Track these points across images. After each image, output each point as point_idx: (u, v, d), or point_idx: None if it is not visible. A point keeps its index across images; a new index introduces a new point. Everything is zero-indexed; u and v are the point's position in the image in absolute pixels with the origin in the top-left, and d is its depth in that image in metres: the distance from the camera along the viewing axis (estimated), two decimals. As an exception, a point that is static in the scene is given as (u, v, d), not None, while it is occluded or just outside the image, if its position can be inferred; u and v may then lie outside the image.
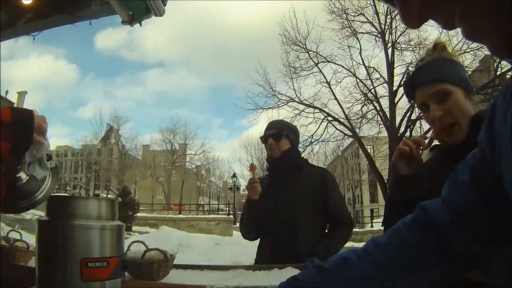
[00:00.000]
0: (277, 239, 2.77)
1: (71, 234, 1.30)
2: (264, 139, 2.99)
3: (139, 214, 34.06)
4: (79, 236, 1.31)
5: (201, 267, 2.07)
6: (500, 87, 0.81)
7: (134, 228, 29.09)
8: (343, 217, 2.91)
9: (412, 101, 1.77)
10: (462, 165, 0.95)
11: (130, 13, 2.60)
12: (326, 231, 2.93)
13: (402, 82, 18.12)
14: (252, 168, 2.93)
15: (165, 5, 2.71)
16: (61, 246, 1.30)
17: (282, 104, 20.28)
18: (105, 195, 51.98)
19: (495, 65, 15.09)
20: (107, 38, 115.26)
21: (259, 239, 2.97)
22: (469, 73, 13.67)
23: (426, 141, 1.79)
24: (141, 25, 2.71)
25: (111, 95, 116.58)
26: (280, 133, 2.93)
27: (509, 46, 0.52)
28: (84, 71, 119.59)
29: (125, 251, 1.74)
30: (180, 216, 33.51)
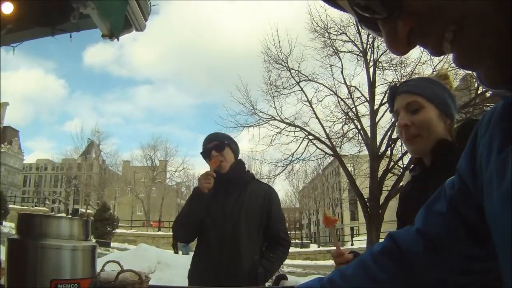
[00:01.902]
0: (220, 251, 2.70)
1: (41, 254, 1.25)
2: (206, 153, 2.88)
3: (118, 230, 33.80)
4: (49, 257, 1.26)
5: (177, 288, 2.02)
6: (482, 116, 0.79)
7: (113, 244, 28.87)
8: (282, 238, 2.90)
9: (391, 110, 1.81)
10: (438, 194, 0.93)
11: (110, 27, 2.57)
12: (264, 249, 2.88)
13: (385, 98, 18.33)
14: (214, 162, 2.77)
15: (146, 20, 2.69)
16: (31, 266, 1.25)
17: (263, 123, 20.21)
18: (84, 210, 51.49)
19: (476, 84, 15.30)
20: (97, 53, 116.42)
21: (195, 249, 2.88)
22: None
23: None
24: (118, 40, 2.68)
25: (99, 111, 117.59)
26: (222, 144, 2.87)
27: (499, 75, 0.52)
28: (73, 86, 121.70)
29: (99, 271, 1.69)
30: (160, 233, 33.27)
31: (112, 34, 2.56)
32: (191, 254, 3.08)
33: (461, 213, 0.84)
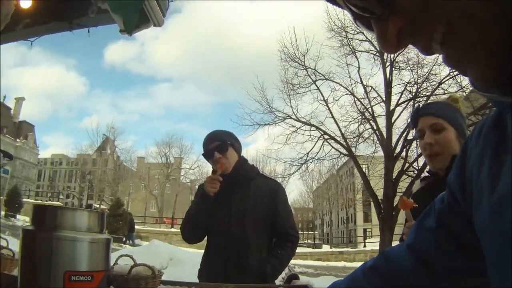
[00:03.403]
0: (227, 250, 2.69)
1: (56, 246, 1.25)
2: (208, 154, 2.83)
3: (131, 226, 33.89)
4: (64, 248, 1.26)
5: (189, 284, 2.02)
6: (472, 128, 0.80)
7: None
8: (291, 234, 2.86)
9: (414, 128, 2.11)
10: (429, 209, 0.93)
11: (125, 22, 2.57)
12: (273, 246, 2.85)
13: (401, 98, 18.19)
14: (221, 166, 2.69)
15: (164, 15, 2.69)
16: (45, 257, 1.25)
17: (279, 121, 20.13)
18: (98, 205, 51.84)
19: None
20: (118, 50, 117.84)
21: (205, 249, 2.87)
22: (466, 93, 13.72)
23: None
24: (130, 35, 2.67)
25: (118, 108, 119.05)
26: (225, 144, 2.81)
27: (490, 76, 0.53)
28: (93, 83, 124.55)
29: (112, 264, 1.69)
30: (172, 230, 33.40)
31: (129, 29, 2.57)
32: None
33: (451, 226, 0.84)
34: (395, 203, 17.40)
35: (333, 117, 19.40)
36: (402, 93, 18.64)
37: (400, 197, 2.06)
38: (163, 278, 1.83)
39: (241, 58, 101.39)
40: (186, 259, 10.49)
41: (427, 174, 2.19)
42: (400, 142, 18.21)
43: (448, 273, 0.85)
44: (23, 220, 27.88)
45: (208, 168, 55.78)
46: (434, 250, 0.86)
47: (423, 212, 0.95)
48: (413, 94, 18.11)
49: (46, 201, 49.03)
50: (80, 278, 1.26)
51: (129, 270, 1.61)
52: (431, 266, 0.87)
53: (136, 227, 35.26)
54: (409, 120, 17.51)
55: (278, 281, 2.82)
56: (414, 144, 17.91)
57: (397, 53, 18.50)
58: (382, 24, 0.57)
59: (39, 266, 1.26)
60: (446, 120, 1.96)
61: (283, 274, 2.86)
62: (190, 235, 2.88)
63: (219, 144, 2.79)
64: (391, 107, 18.61)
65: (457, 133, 1.96)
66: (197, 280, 2.78)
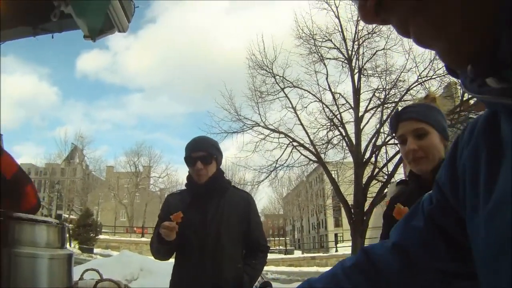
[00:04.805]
0: (202, 260, 2.64)
1: (14, 263, 1.18)
2: (190, 161, 2.76)
3: (101, 236, 33.61)
4: (23, 266, 1.19)
5: (159, 298, 1.95)
6: (464, 126, 0.78)
7: (96, 250, 28.71)
8: (262, 244, 2.88)
9: (393, 133, 2.04)
10: (415, 209, 0.91)
11: (88, 27, 2.52)
12: (245, 256, 2.83)
13: (369, 105, 18.40)
14: (177, 217, 2.50)
15: (129, 21, 2.64)
16: (3, 275, 1.18)
17: (247, 129, 20.06)
18: (67, 216, 51.03)
19: (460, 92, 15.45)
20: (90, 59, 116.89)
21: (175, 260, 2.80)
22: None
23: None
24: (94, 40, 2.62)
25: (90, 117, 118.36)
26: (210, 156, 2.76)
27: (459, 52, 0.53)
28: (66, 93, 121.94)
29: (78, 279, 1.63)
30: (143, 239, 33.05)
31: (93, 35, 2.51)
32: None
33: (441, 225, 0.82)
34: (365, 208, 17.56)
35: (301, 124, 19.49)
36: (370, 99, 18.86)
37: (394, 205, 1.99)
38: (132, 291, 1.77)
39: (214, 68, 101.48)
40: (157, 269, 10.34)
41: (404, 179, 2.17)
42: (369, 148, 18.42)
43: (437, 274, 0.83)
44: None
45: (177, 176, 55.62)
46: (423, 250, 0.84)
47: (409, 211, 0.93)
48: (382, 100, 18.34)
49: None
50: (40, 296, 1.19)
51: (94, 285, 1.55)
52: (419, 266, 0.85)
53: (107, 237, 34.87)
54: (378, 126, 17.94)
55: (251, 288, 2.79)
56: (383, 149, 18.13)
57: (366, 60, 18.82)
58: None
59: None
60: (429, 124, 1.90)
61: (256, 283, 2.83)
62: (159, 258, 2.83)
63: (204, 155, 2.74)
64: (360, 114, 18.81)
65: (440, 136, 1.91)
66: (168, 290, 2.73)
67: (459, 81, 0.59)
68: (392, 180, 15.64)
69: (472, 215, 0.68)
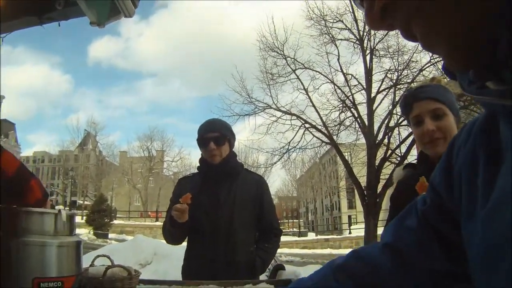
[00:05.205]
0: (215, 244, 2.63)
1: (23, 252, 1.20)
2: (203, 142, 2.75)
3: (116, 221, 33.88)
4: (32, 254, 1.21)
5: (169, 283, 1.96)
6: (460, 129, 0.80)
7: (110, 235, 28.95)
8: (275, 227, 2.87)
9: (407, 113, 1.96)
10: (409, 210, 0.91)
11: (96, 14, 2.51)
12: (257, 239, 2.83)
13: (382, 86, 18.25)
14: (186, 199, 2.45)
15: (135, 6, 2.63)
16: (12, 264, 1.19)
17: (259, 111, 20.07)
18: (82, 202, 51.52)
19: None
20: (102, 46, 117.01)
21: (188, 243, 2.81)
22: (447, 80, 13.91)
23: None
24: (104, 26, 2.61)
25: (104, 104, 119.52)
26: (223, 137, 2.75)
27: (460, 58, 0.54)
28: (78, 80, 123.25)
29: (88, 266, 1.64)
30: (157, 223, 33.30)
31: (100, 21, 2.51)
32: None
33: (434, 226, 0.82)
34: (378, 190, 17.53)
35: (313, 105, 19.42)
36: (382, 80, 18.74)
37: (401, 188, 1.99)
38: (147, 274, 1.79)
39: (225, 51, 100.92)
40: (171, 254, 10.42)
41: (413, 162, 2.12)
42: (382, 129, 18.33)
43: (430, 275, 0.83)
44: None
45: (190, 160, 55.78)
46: (417, 250, 0.84)
47: (402, 211, 0.93)
48: (394, 81, 18.21)
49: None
50: (49, 284, 1.21)
51: (104, 271, 1.56)
52: (412, 266, 0.85)
53: (121, 222, 35.18)
54: (390, 108, 17.79)
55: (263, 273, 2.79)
56: (396, 131, 18.02)
57: (377, 41, 18.63)
58: (370, 1, 0.60)
59: (7, 273, 1.20)
60: (446, 105, 1.83)
61: (269, 266, 2.84)
62: (171, 241, 2.83)
63: (217, 136, 2.73)
64: (372, 95, 18.70)
65: (455, 117, 1.85)
66: (181, 275, 2.74)
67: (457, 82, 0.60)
68: (405, 161, 15.53)
69: (468, 215, 0.68)
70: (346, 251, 0.97)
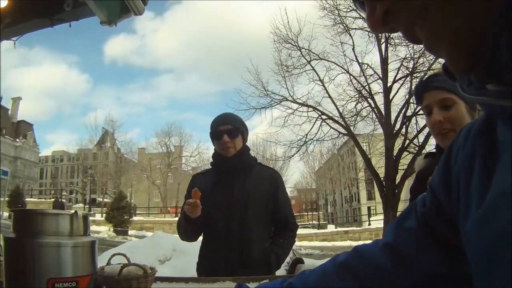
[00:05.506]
0: (229, 240, 2.63)
1: (38, 253, 1.21)
2: (216, 135, 2.74)
3: (135, 218, 34.15)
4: (46, 255, 1.22)
5: (186, 280, 1.97)
6: (459, 131, 0.80)
7: (130, 232, 29.17)
8: (291, 222, 2.84)
9: (419, 104, 1.97)
10: (409, 210, 0.92)
11: (107, 13, 2.52)
12: (273, 235, 2.81)
13: (398, 74, 18.07)
14: (195, 194, 2.43)
15: (145, 4, 2.63)
16: (27, 265, 1.22)
17: (275, 104, 20.02)
18: (101, 199, 52.02)
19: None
20: (118, 44, 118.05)
21: (202, 239, 2.80)
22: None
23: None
24: (115, 25, 2.62)
25: (122, 101, 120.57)
26: (236, 130, 2.74)
27: (463, 60, 0.55)
28: (96, 79, 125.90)
29: (104, 264, 1.65)
30: (177, 219, 33.18)
31: (110, 20, 2.52)
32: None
33: (433, 227, 0.83)
34: (397, 181, 17.40)
35: (330, 96, 19.33)
36: (398, 69, 18.55)
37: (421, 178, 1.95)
38: (164, 271, 1.79)
39: (241, 45, 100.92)
40: (190, 250, 10.45)
41: (432, 151, 2.07)
42: (400, 119, 18.17)
43: (429, 276, 0.83)
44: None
45: (208, 154, 55.82)
46: (416, 251, 0.84)
47: (402, 212, 0.94)
48: (410, 70, 18.01)
49: (50, 198, 49.07)
50: (64, 285, 1.22)
51: (120, 270, 1.57)
52: (411, 267, 0.85)
53: (141, 218, 35.43)
54: (407, 97, 17.61)
55: (282, 265, 2.78)
56: (413, 120, 17.85)
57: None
58: (372, 4, 0.62)
59: (22, 274, 1.22)
60: (455, 94, 1.77)
61: (287, 259, 2.82)
62: (186, 238, 2.83)
63: (231, 128, 2.73)
64: (388, 84, 18.53)
65: (468, 107, 1.79)
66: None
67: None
68: (424, 151, 15.39)
69: (466, 215, 0.68)
70: (366, 242, 0.97)
